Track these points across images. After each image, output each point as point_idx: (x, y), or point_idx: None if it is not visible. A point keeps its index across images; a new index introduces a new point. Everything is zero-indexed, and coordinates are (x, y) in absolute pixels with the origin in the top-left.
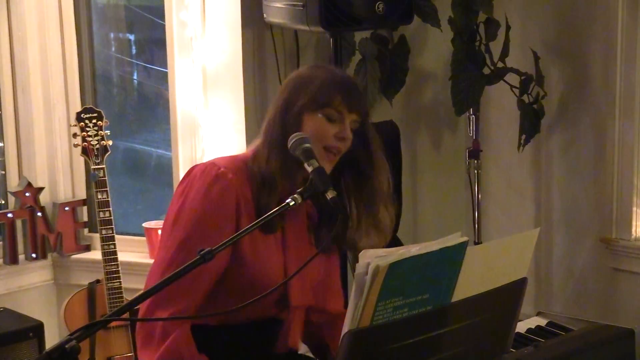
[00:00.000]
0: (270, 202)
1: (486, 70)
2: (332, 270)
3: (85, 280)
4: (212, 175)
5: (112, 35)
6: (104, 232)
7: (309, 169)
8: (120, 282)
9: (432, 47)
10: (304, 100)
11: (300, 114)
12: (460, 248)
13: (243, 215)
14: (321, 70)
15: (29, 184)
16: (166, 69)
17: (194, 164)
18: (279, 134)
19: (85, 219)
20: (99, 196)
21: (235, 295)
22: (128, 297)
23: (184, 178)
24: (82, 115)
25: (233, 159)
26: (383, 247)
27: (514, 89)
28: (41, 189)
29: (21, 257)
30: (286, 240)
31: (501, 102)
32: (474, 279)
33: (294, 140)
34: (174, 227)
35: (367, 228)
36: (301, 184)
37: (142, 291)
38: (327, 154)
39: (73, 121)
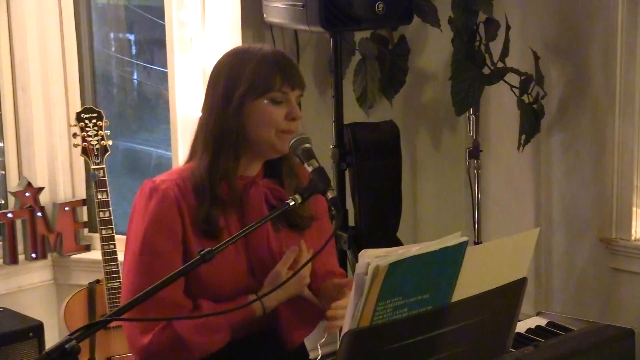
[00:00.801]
0: (203, 208)
1: (486, 70)
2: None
3: (85, 280)
4: (147, 192)
5: (112, 35)
6: (103, 232)
7: (309, 169)
8: (120, 282)
9: (432, 47)
10: (242, 90)
11: (241, 105)
12: (460, 248)
13: (187, 223)
14: (248, 54)
15: (29, 184)
16: (166, 69)
17: None
18: (212, 134)
19: (85, 219)
20: (99, 196)
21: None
22: None
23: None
24: (82, 115)
25: (172, 171)
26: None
27: (513, 89)
28: (41, 189)
29: (21, 257)
30: (247, 237)
31: (501, 102)
32: (473, 279)
33: (294, 140)
34: (126, 252)
35: None
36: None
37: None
38: (284, 134)
39: (73, 121)
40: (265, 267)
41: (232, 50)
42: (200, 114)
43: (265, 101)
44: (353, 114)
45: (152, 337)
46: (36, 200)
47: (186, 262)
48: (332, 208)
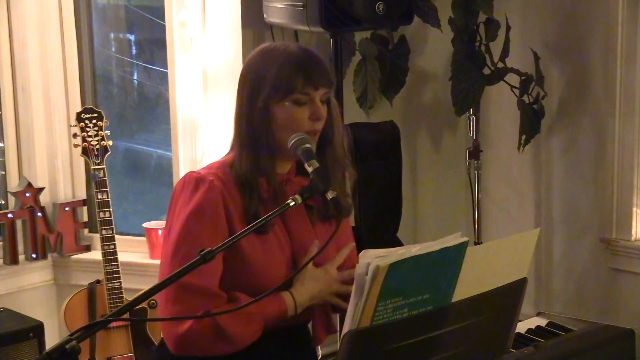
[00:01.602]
0: (253, 203)
1: (486, 71)
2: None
3: (85, 280)
4: (192, 183)
5: (112, 35)
6: (104, 232)
7: (310, 169)
8: (120, 282)
9: (432, 48)
10: (267, 92)
11: (266, 108)
12: (461, 248)
13: (234, 217)
14: (274, 53)
15: (29, 184)
16: (166, 69)
17: (194, 164)
18: (246, 133)
19: (86, 219)
20: (99, 196)
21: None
22: (128, 297)
23: (170, 199)
24: (82, 116)
25: (213, 165)
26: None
27: (514, 89)
28: (41, 189)
29: (21, 257)
30: (290, 232)
31: (501, 103)
32: (474, 279)
33: (294, 140)
34: (166, 243)
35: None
36: (279, 179)
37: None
38: (309, 136)
39: (73, 121)
40: (306, 252)
41: (258, 49)
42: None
43: (288, 103)
44: (353, 114)
45: (191, 324)
46: (36, 200)
47: (233, 253)
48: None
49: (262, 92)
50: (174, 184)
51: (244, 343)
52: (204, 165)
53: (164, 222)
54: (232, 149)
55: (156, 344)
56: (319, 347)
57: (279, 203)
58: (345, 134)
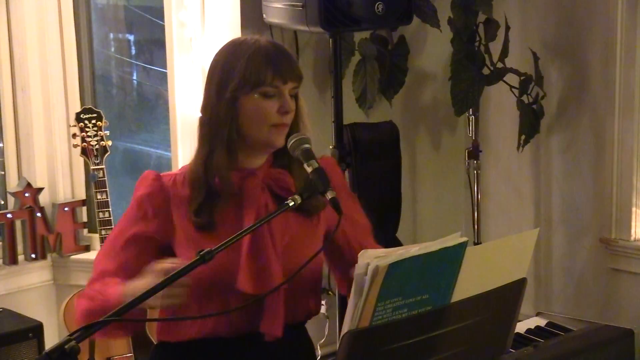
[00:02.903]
0: (195, 201)
1: (486, 71)
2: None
3: (84, 280)
4: (138, 182)
5: (111, 35)
6: (103, 232)
7: (309, 169)
8: None
9: (432, 48)
10: (235, 84)
11: (234, 100)
12: (460, 248)
13: (183, 215)
14: (243, 46)
15: (29, 185)
16: (165, 69)
17: None
18: (208, 126)
19: (85, 219)
20: (99, 196)
21: (202, 298)
22: None
23: None
24: (81, 116)
25: (183, 167)
26: None
27: (513, 89)
28: (40, 189)
29: (21, 257)
30: (244, 225)
31: (501, 103)
32: (473, 280)
33: (293, 140)
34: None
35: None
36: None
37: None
38: (277, 129)
39: (72, 121)
40: (262, 255)
41: (228, 42)
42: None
43: (256, 95)
44: (353, 114)
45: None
46: (36, 200)
47: (165, 252)
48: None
49: (230, 83)
50: None
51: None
52: None
53: None
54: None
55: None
56: (319, 347)
57: (237, 198)
58: (310, 131)
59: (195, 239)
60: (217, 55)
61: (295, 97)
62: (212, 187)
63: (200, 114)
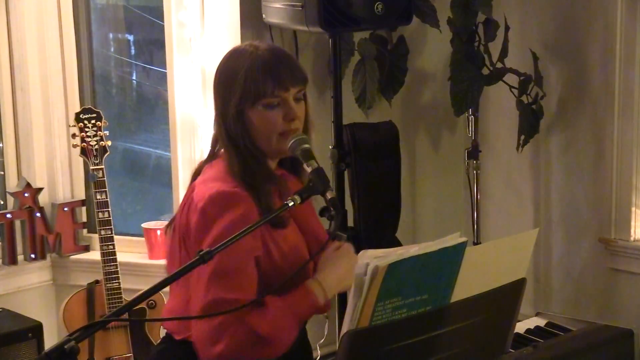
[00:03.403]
0: (264, 202)
1: (485, 71)
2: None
3: (84, 280)
4: (227, 197)
5: (111, 35)
6: (103, 232)
7: (308, 169)
8: (119, 282)
9: (431, 48)
10: (237, 99)
11: (240, 113)
12: (459, 248)
13: (264, 231)
14: (242, 57)
15: (28, 185)
16: (165, 69)
17: (193, 165)
18: (227, 138)
19: (84, 219)
20: (98, 197)
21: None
22: (127, 297)
23: (200, 214)
24: (81, 116)
25: (217, 176)
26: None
27: (513, 89)
28: (40, 189)
29: (20, 257)
30: (299, 223)
31: (500, 103)
32: (473, 280)
33: (293, 140)
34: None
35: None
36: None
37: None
38: (284, 136)
39: (72, 122)
40: (319, 243)
41: (227, 53)
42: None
43: (260, 107)
44: (352, 114)
45: (227, 342)
46: (35, 200)
47: (264, 256)
48: (332, 208)
49: (232, 97)
50: (173, 185)
51: (284, 343)
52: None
53: (163, 222)
54: (215, 155)
55: (155, 344)
56: (318, 347)
57: (283, 196)
58: (314, 128)
59: (277, 239)
60: (217, 70)
61: (302, 98)
62: (264, 189)
63: (216, 125)
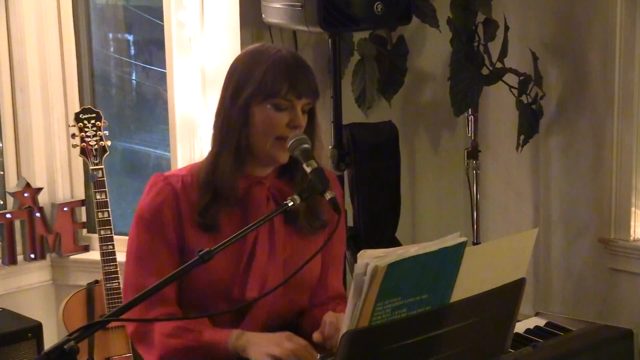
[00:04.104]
0: (201, 204)
1: (485, 71)
2: (332, 257)
3: (83, 280)
4: (147, 186)
5: (110, 35)
6: (102, 232)
7: (308, 169)
8: (119, 282)
9: (431, 48)
10: (249, 92)
11: (246, 107)
12: (459, 248)
13: (185, 220)
14: (264, 55)
15: (28, 185)
16: (165, 69)
17: None
18: (220, 131)
19: (84, 219)
20: (98, 197)
21: (199, 301)
22: None
23: None
24: (80, 116)
25: (188, 165)
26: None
27: (512, 89)
28: (40, 189)
29: (20, 257)
30: (256, 237)
31: (500, 103)
32: (472, 280)
33: (292, 140)
34: (128, 241)
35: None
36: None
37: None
38: (281, 143)
39: (71, 121)
40: (260, 265)
41: (249, 48)
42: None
43: (269, 106)
44: (352, 114)
45: (135, 327)
46: (35, 200)
47: (182, 257)
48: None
49: (245, 91)
50: None
51: (160, 353)
52: None
53: None
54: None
55: None
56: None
57: (244, 205)
58: (324, 148)
59: (203, 241)
60: (237, 59)
61: (310, 113)
62: (219, 190)
63: (214, 118)
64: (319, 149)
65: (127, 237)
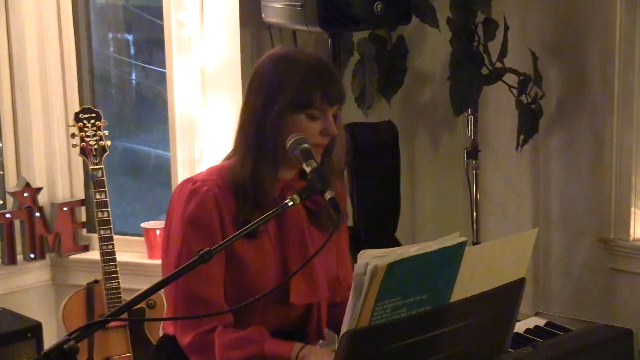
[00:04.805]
0: (245, 210)
1: (484, 71)
2: (340, 250)
3: (83, 280)
4: (186, 193)
5: (110, 35)
6: (102, 232)
7: (308, 169)
8: (118, 282)
9: (431, 48)
10: (283, 103)
11: (280, 118)
12: (459, 248)
13: (227, 223)
14: (294, 64)
15: (27, 184)
16: (164, 69)
17: (192, 164)
18: (254, 139)
19: (84, 219)
20: (98, 196)
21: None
22: (126, 297)
23: (168, 204)
24: (80, 116)
25: (213, 169)
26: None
27: (512, 89)
28: (39, 189)
29: (19, 257)
30: (284, 238)
31: (499, 103)
32: (472, 279)
33: (292, 140)
34: (166, 255)
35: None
36: (282, 188)
37: (166, 316)
38: (316, 148)
39: (71, 121)
40: (295, 263)
41: (276, 56)
42: (240, 112)
43: (303, 116)
44: (351, 114)
45: (192, 339)
46: (34, 200)
47: (229, 260)
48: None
49: (278, 100)
50: (173, 184)
51: None
52: (202, 165)
53: (162, 222)
54: (234, 153)
55: (154, 343)
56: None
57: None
58: (345, 144)
59: (248, 247)
60: (263, 66)
61: (335, 116)
62: (257, 199)
63: (241, 121)
64: (341, 149)
65: (126, 237)
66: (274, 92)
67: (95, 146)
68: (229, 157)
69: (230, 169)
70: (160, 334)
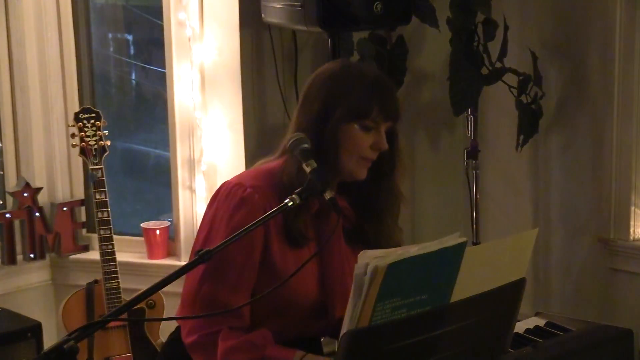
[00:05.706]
0: (297, 218)
1: (484, 71)
2: None
3: (83, 280)
4: (237, 199)
5: (110, 35)
6: (102, 232)
7: (307, 169)
8: (118, 282)
9: (430, 48)
10: (342, 112)
11: (337, 126)
12: (459, 248)
13: (272, 231)
14: (352, 75)
15: (27, 184)
16: (164, 69)
17: (192, 164)
18: (313, 146)
19: (84, 219)
20: (97, 196)
21: (274, 315)
22: (126, 297)
23: (212, 197)
24: (80, 116)
25: (260, 173)
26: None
27: (512, 89)
28: (39, 189)
29: (19, 257)
30: (323, 251)
31: (499, 103)
32: (472, 280)
33: (292, 140)
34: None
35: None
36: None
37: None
38: (364, 162)
39: (71, 121)
40: (333, 280)
41: (333, 68)
42: (293, 119)
43: (356, 126)
44: None
45: (196, 338)
46: (34, 200)
47: (266, 266)
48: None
49: (336, 111)
50: (172, 184)
51: None
52: (203, 164)
53: (162, 222)
54: (281, 156)
55: (154, 343)
56: None
57: (321, 219)
58: (405, 170)
59: (288, 256)
60: (320, 78)
61: (392, 136)
62: (304, 207)
63: (293, 129)
64: (400, 169)
65: (126, 237)
66: (332, 101)
67: (95, 146)
68: (272, 160)
69: (278, 175)
70: (162, 333)
